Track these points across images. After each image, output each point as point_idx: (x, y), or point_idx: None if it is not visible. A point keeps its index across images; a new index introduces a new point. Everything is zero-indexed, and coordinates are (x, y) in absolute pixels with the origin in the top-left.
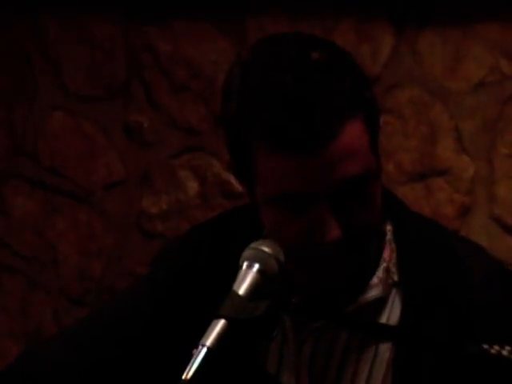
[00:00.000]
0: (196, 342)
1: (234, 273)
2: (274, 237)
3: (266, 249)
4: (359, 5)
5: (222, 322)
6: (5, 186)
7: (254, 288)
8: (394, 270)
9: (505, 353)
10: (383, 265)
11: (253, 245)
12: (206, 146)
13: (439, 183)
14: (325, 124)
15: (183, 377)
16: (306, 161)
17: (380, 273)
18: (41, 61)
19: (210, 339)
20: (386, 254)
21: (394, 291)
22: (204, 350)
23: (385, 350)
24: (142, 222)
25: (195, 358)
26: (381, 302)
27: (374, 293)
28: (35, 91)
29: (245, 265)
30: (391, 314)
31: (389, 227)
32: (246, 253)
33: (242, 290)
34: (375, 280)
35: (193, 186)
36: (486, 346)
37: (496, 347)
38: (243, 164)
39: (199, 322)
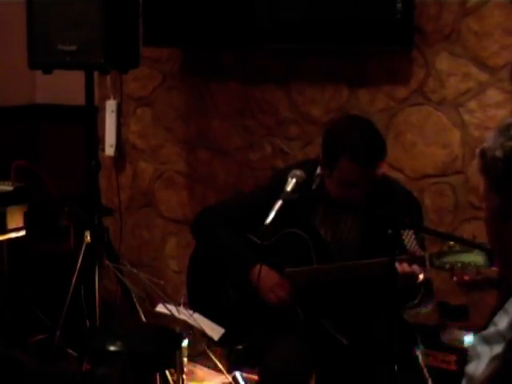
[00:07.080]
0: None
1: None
2: (336, 195)
3: (298, 172)
4: None
5: (281, 201)
6: None
7: (295, 186)
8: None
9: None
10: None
11: (294, 170)
12: None
13: None
14: (375, 160)
15: (265, 222)
16: (363, 169)
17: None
18: None
19: (278, 204)
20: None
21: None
22: (279, 203)
23: (355, 216)
24: None
25: (272, 211)
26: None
27: None
28: None
29: (290, 178)
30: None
31: None
32: (291, 173)
33: (288, 188)
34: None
35: None
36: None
37: None
38: (330, 161)
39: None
